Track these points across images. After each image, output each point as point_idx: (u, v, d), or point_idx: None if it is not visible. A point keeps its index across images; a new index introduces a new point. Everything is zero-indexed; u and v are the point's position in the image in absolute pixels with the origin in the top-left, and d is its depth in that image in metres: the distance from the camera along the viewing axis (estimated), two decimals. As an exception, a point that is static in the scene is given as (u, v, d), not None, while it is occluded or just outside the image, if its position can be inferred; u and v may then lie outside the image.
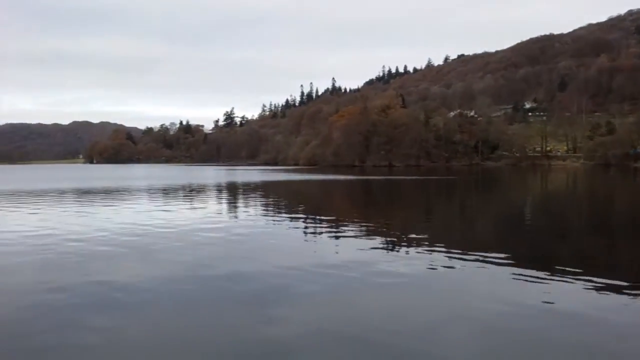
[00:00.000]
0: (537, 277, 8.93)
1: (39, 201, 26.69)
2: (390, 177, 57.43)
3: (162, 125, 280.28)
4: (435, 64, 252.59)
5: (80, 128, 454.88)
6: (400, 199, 31.04)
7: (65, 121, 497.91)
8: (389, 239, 13.64)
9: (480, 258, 10.58)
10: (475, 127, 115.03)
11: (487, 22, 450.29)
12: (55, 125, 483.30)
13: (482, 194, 36.05)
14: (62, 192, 34.21)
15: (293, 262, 10.29)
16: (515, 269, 9.64)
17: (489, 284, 8.67)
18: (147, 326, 6.68)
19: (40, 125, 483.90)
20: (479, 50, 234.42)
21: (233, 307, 7.45)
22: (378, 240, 13.11)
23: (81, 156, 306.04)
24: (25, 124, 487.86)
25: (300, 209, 22.69)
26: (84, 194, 33.28)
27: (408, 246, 12.25)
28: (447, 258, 10.70)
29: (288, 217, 18.58)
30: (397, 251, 11.74)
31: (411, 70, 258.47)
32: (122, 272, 9.54)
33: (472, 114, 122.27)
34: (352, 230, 14.85)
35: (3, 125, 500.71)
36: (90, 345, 5.99)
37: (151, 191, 35.20)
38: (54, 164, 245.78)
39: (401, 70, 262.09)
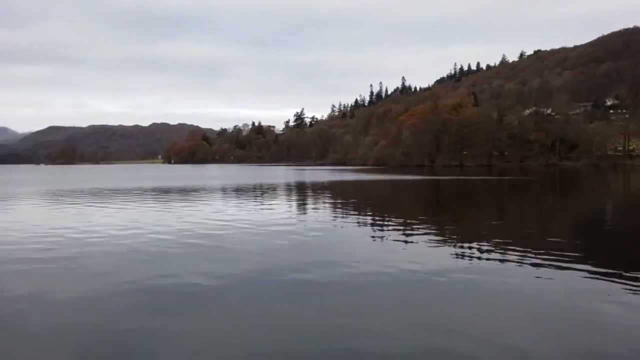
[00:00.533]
0: (623, 287, 8.62)
1: (122, 199, 28.37)
2: (461, 177, 56.25)
3: (235, 127, 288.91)
4: (510, 60, 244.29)
5: (159, 129, 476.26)
6: (471, 200, 30.40)
7: (145, 123, 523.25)
8: (459, 241, 13.48)
9: (556, 265, 10.30)
10: (552, 125, 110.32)
11: (566, 16, 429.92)
12: (136, 127, 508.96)
13: (560, 195, 34.62)
14: (143, 191, 36.14)
15: (362, 262, 10.40)
16: (591, 276, 9.33)
17: (561, 292, 8.45)
18: (219, 321, 6.91)
19: (122, 127, 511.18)
20: (557, 46, 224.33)
21: (305, 307, 7.62)
22: (448, 242, 13.01)
23: (160, 156, 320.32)
24: (109, 126, 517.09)
25: (369, 209, 22.79)
26: (164, 192, 34.97)
27: (479, 249, 12.07)
28: (519, 263, 10.44)
29: (357, 217, 18.75)
30: (467, 254, 11.57)
31: (484, 68, 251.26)
32: (197, 268, 9.97)
33: (549, 111, 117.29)
34: (421, 231, 14.78)
35: (87, 128, 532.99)
36: (164, 338, 6.28)
37: (225, 190, 36.44)
38: (134, 164, 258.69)
39: (474, 67, 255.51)
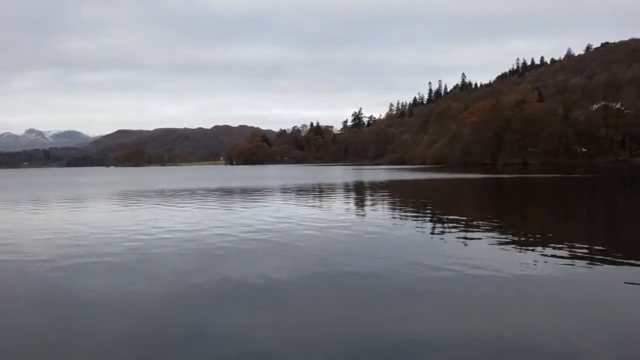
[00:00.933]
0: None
1: (188, 199, 29.57)
2: (525, 176, 54.65)
3: (294, 127, 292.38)
4: (576, 54, 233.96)
5: (221, 131, 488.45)
6: (536, 199, 29.60)
7: (208, 125, 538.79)
8: (522, 241, 13.24)
9: (625, 268, 10.07)
10: (622, 120, 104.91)
11: (635, 4, 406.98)
12: (200, 129, 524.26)
13: (632, 194, 33.11)
14: (208, 192, 37.44)
15: (421, 261, 10.47)
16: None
17: (630, 290, 8.30)
18: (281, 317, 7.12)
19: (186, 129, 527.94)
20: (625, 37, 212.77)
21: (364, 303, 7.74)
22: (510, 242, 12.80)
23: (222, 158, 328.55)
24: (173, 129, 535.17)
25: (428, 208, 22.71)
26: (227, 193, 36.10)
27: (543, 250, 11.84)
28: (587, 265, 10.18)
29: (416, 217, 18.74)
30: (531, 255, 11.33)
31: (548, 62, 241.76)
32: (259, 265, 10.34)
33: (618, 106, 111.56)
34: (482, 231, 14.62)
35: (154, 131, 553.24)
36: (227, 334, 6.56)
37: (285, 190, 37.18)
38: (198, 166, 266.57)
39: (537, 61, 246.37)
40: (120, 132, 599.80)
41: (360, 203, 26.42)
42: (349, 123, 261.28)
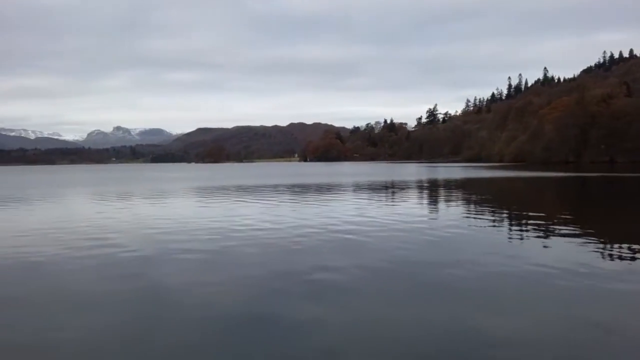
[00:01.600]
0: None
1: (264, 195, 30.51)
2: (612, 174, 51.69)
3: (367, 124, 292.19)
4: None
5: (296, 129, 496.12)
6: (624, 199, 28.03)
7: (283, 123, 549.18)
8: (611, 247, 12.43)
9: None
10: None
11: None
12: (275, 127, 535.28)
13: None
14: (283, 188, 38.38)
15: (498, 261, 10.34)
16: None
17: None
18: (354, 314, 7.23)
19: (262, 127, 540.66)
20: None
21: (437, 302, 7.75)
22: (594, 245, 12.22)
23: (296, 154, 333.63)
24: (251, 126, 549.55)
25: (506, 207, 22.16)
26: (301, 189, 36.82)
27: (631, 256, 11.39)
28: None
29: (493, 215, 18.31)
30: (619, 263, 10.83)
31: (638, 54, 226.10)
32: (333, 261, 10.58)
33: None
34: (564, 233, 14.11)
35: (232, 128, 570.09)
36: (301, 327, 6.76)
37: (358, 187, 37.40)
38: (273, 162, 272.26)
39: (625, 54, 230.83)
40: (201, 130, 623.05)
41: (434, 201, 26.19)
42: (424, 120, 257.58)
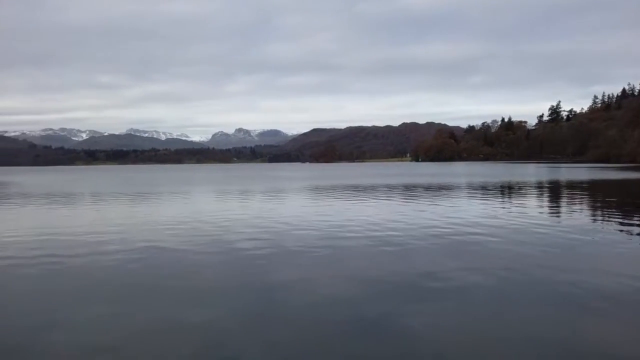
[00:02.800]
0: None
1: (373, 195, 30.81)
2: None
3: (483, 123, 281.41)
4: None
5: (408, 129, 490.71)
6: None
7: (396, 123, 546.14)
8: None
9: None
10: None
11: None
12: (388, 127, 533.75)
13: None
14: (393, 187, 38.41)
15: (624, 272, 9.81)
16: None
17: None
18: (464, 317, 7.22)
19: (375, 127, 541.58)
20: None
21: (553, 311, 7.43)
22: None
23: (408, 154, 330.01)
24: (363, 126, 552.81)
25: (638, 213, 20.53)
26: (412, 189, 36.64)
27: None
28: None
29: (623, 222, 17.02)
30: None
31: None
32: (442, 263, 10.61)
33: None
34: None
35: (345, 129, 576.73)
36: (408, 329, 6.98)
37: (472, 188, 36.41)
38: (385, 162, 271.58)
39: None
40: (315, 131, 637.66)
41: (556, 204, 24.86)
42: (545, 117, 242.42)
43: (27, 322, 7.14)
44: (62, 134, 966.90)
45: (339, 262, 11.01)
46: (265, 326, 6.93)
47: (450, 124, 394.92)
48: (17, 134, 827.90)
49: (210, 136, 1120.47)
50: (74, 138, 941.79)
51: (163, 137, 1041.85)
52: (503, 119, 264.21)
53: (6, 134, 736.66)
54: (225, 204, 26.90)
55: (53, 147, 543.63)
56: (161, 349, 6.16)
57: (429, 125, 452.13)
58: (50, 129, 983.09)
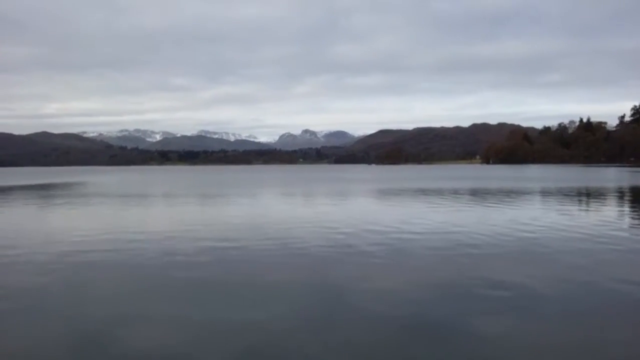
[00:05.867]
0: None
1: (443, 198, 30.18)
2: None
3: (559, 124, 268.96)
4: None
5: (478, 130, 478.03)
6: None
7: (465, 124, 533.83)
8: None
9: None
10: None
11: None
12: (457, 128, 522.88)
13: None
14: (462, 191, 37.52)
15: None
16: None
17: None
18: (536, 326, 6.98)
19: (443, 128, 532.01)
20: None
21: (625, 329, 7.03)
22: None
23: (478, 156, 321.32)
24: (431, 127, 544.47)
25: None
26: (481, 193, 35.60)
27: None
28: None
29: None
30: None
31: None
32: (511, 271, 10.22)
33: None
34: None
35: (413, 130, 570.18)
36: (481, 336, 6.74)
37: (544, 193, 34.89)
38: (453, 165, 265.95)
39: None
40: (382, 132, 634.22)
41: (635, 212, 23.36)
42: (627, 118, 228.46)
43: (104, 315, 7.49)
44: (137, 135, 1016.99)
45: (404, 265, 10.91)
46: (331, 327, 6.97)
47: (524, 124, 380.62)
48: (95, 134, 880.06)
49: (277, 137, 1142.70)
50: (148, 139, 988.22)
51: (232, 138, 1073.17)
52: (581, 120, 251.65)
53: (85, 135, 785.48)
54: (291, 206, 27.20)
55: (128, 148, 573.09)
56: (227, 345, 6.30)
57: (501, 125, 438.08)
58: (126, 130, 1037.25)
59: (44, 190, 46.77)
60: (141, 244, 13.80)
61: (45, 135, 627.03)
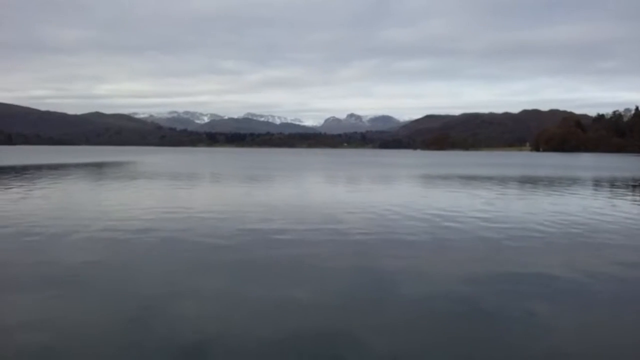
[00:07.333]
0: None
1: (488, 185, 29.70)
2: None
3: (614, 112, 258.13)
4: None
5: (529, 116, 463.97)
6: None
7: (515, 110, 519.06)
8: None
9: None
10: None
11: None
12: (506, 114, 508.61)
13: None
14: (502, 178, 36.76)
15: None
16: None
17: None
18: (585, 317, 6.93)
19: (491, 114, 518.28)
20: None
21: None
22: None
23: (527, 144, 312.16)
24: (479, 113, 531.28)
25: None
26: (529, 181, 34.80)
27: None
28: None
29: None
30: None
31: None
32: (553, 262, 10.06)
33: None
34: None
35: (460, 116, 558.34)
36: (523, 325, 6.74)
37: (596, 183, 33.81)
38: (501, 151, 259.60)
39: None
40: (428, 117, 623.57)
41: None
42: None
43: (155, 291, 7.82)
44: (186, 116, 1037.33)
45: (448, 253, 10.87)
46: (377, 308, 7.10)
47: (577, 111, 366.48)
48: (145, 115, 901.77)
49: (322, 121, 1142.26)
50: (196, 121, 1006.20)
51: (278, 122, 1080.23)
52: (637, 108, 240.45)
53: (136, 116, 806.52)
54: (335, 189, 27.38)
55: (177, 129, 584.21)
56: (273, 324, 6.48)
57: (553, 112, 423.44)
58: (176, 112, 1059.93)
59: (97, 167, 48.64)
60: (190, 223, 14.26)
61: (97, 115, 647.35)
